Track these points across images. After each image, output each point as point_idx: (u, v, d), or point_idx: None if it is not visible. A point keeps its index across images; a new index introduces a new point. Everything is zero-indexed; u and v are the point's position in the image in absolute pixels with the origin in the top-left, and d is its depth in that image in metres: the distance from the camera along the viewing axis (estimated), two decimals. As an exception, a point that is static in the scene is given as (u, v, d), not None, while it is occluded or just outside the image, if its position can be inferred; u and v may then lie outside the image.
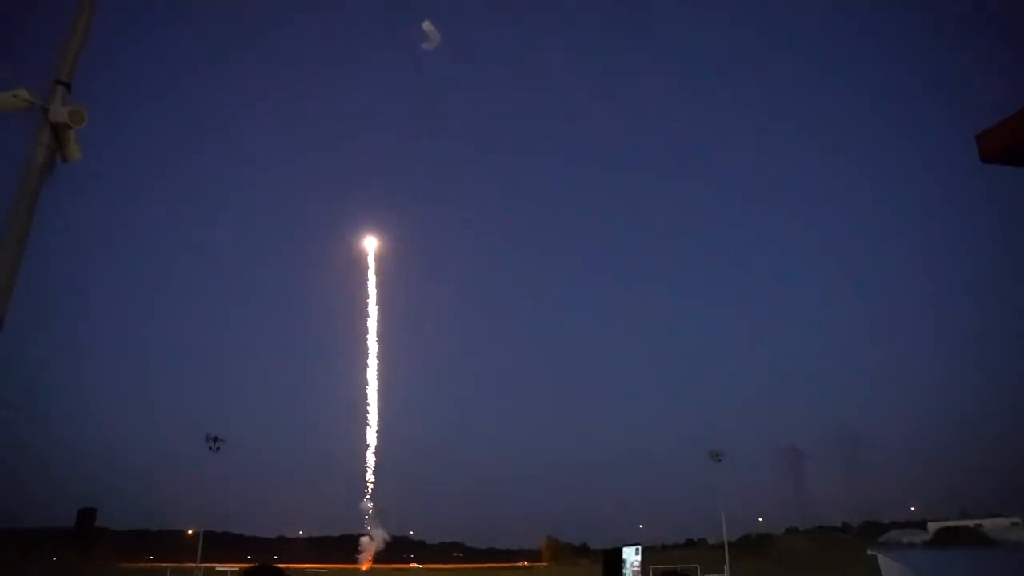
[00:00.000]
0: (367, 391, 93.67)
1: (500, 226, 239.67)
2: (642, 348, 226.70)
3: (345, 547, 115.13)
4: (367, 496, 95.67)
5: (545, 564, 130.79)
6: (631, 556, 52.64)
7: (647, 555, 62.99)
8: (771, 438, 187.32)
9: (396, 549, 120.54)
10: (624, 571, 51.40)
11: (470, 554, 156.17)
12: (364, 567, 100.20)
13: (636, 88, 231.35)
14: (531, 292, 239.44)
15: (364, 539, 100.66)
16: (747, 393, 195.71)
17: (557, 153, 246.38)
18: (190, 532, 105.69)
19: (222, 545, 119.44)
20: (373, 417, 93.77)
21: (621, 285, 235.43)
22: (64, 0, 7.37)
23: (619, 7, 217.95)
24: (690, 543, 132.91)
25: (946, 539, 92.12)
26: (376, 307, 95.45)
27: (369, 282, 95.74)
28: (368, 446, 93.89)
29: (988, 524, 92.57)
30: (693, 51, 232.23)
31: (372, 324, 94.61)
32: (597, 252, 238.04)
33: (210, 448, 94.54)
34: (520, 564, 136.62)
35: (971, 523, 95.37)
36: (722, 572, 77.88)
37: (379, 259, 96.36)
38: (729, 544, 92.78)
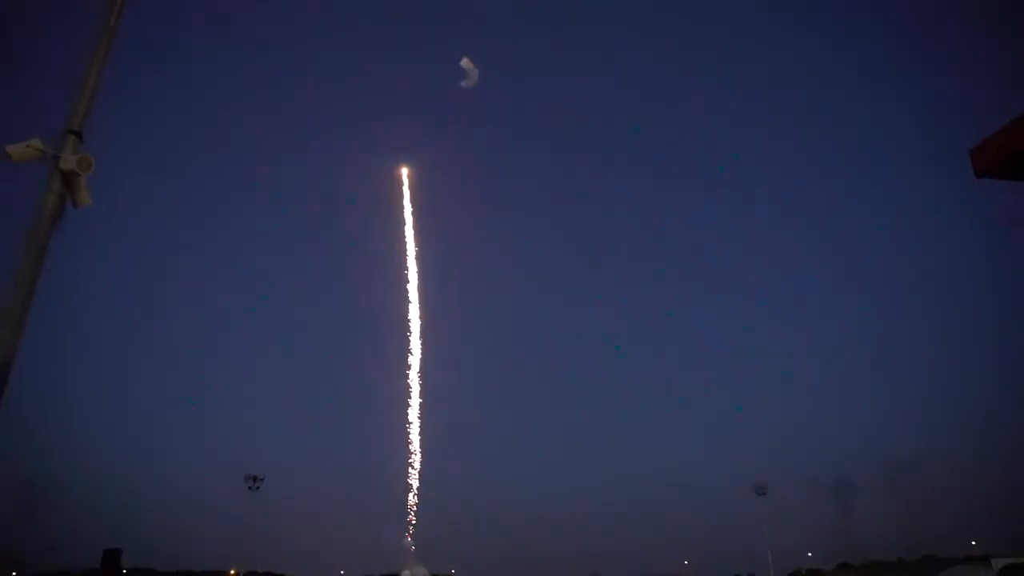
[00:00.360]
0: (408, 428, 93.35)
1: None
2: (677, 375, 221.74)
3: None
4: (408, 535, 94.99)
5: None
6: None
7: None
8: (816, 467, 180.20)
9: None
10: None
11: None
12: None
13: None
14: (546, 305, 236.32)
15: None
16: (789, 419, 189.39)
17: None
18: (232, 572, 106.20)
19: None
20: (415, 453, 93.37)
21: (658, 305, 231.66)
22: (77, 53, 7.73)
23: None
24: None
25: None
26: (419, 317, 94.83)
27: (409, 271, 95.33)
28: (410, 485, 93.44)
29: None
30: (691, 58, 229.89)
31: (415, 365, 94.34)
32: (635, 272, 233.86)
33: (249, 488, 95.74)
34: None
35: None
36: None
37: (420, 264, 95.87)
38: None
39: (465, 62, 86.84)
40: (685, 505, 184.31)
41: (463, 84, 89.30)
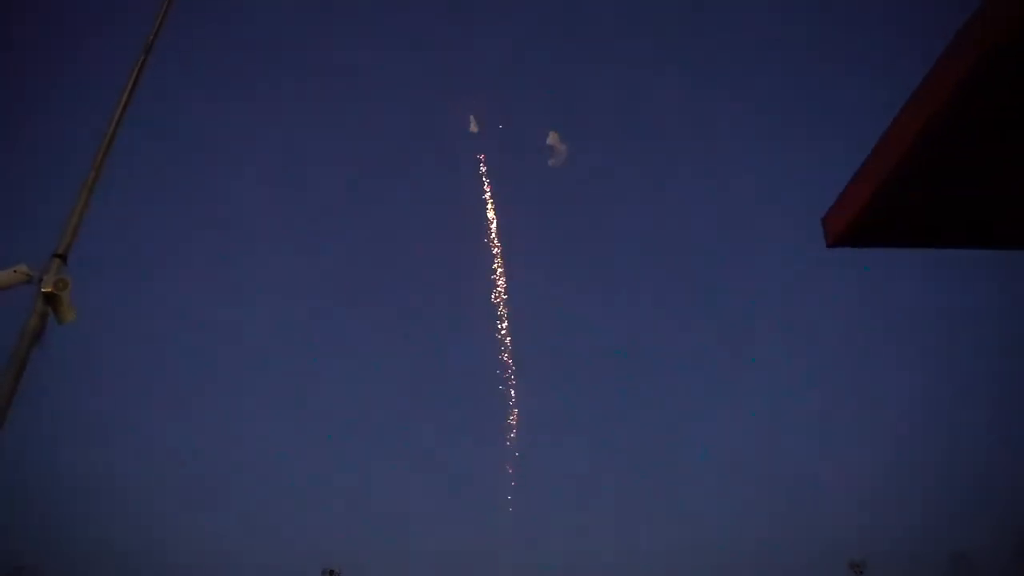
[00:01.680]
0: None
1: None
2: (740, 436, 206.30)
3: None
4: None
5: None
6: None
7: None
8: (927, 541, 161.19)
9: None
10: None
11: None
12: None
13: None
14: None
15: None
16: (888, 482, 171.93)
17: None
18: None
19: None
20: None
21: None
22: (66, 180, 8.59)
23: None
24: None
25: None
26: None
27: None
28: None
29: None
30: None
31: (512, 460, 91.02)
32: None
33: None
34: None
35: None
36: None
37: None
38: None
39: (552, 137, 78.28)
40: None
41: (551, 163, 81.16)
